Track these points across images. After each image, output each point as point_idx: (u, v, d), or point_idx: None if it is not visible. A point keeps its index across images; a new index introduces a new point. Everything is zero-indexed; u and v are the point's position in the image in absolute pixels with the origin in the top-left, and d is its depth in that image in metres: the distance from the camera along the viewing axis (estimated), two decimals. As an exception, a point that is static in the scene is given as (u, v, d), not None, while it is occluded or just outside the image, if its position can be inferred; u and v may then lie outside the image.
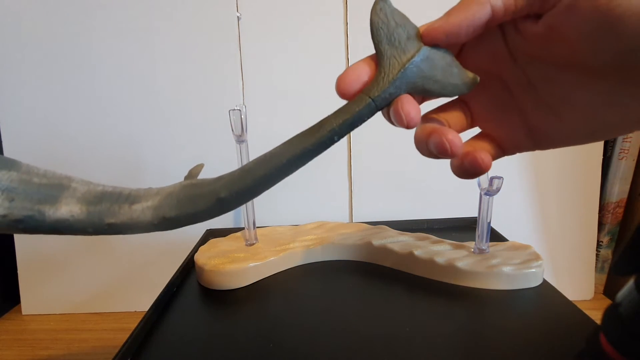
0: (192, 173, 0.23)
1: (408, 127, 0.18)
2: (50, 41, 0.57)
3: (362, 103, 0.18)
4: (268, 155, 0.19)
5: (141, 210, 0.19)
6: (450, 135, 0.19)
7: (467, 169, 0.20)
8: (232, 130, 0.40)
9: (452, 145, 0.19)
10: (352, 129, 0.19)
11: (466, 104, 0.23)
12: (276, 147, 0.20)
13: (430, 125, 0.20)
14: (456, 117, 0.22)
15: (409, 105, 0.18)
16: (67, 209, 0.18)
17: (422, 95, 0.20)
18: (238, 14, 0.57)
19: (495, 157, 0.22)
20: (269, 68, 0.58)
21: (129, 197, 0.20)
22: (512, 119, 0.21)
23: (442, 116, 0.22)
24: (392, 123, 0.19)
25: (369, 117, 0.19)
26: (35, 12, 0.56)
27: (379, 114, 0.20)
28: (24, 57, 0.58)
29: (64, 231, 0.19)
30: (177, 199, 0.20)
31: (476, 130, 0.23)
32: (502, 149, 0.22)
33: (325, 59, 0.58)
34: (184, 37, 0.57)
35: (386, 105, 0.19)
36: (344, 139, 0.59)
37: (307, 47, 0.58)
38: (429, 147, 0.19)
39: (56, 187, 0.19)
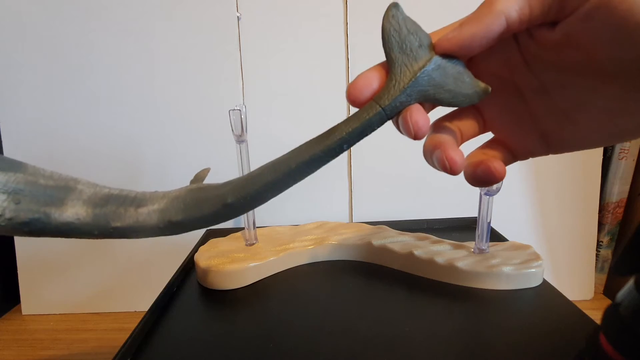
0: (198, 177, 0.23)
1: (416, 138, 0.18)
2: (50, 41, 0.57)
3: (372, 111, 0.18)
4: (276, 161, 0.19)
5: (147, 213, 0.19)
6: (451, 153, 0.19)
7: (481, 177, 0.20)
8: (232, 130, 0.40)
9: (452, 164, 0.19)
10: (362, 137, 0.19)
11: (478, 110, 0.22)
12: (285, 154, 0.19)
13: (437, 138, 0.20)
14: (468, 123, 0.22)
15: (417, 115, 0.18)
16: (73, 212, 0.18)
17: (433, 104, 0.20)
18: (238, 14, 0.57)
19: (507, 163, 0.22)
20: (269, 68, 0.58)
21: (135, 200, 0.20)
22: (525, 124, 0.21)
23: (454, 123, 0.22)
24: (400, 132, 0.19)
25: (379, 126, 0.19)
26: (36, 12, 0.56)
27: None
28: (24, 57, 0.58)
29: (70, 234, 0.18)
30: (184, 203, 0.20)
31: (489, 135, 0.23)
32: (515, 155, 0.22)
33: (325, 60, 0.58)
34: (183, 37, 0.57)
35: (396, 114, 0.19)
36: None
37: (307, 47, 0.58)
38: (433, 161, 0.20)
39: (62, 189, 0.19)
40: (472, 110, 0.22)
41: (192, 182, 0.22)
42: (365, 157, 0.60)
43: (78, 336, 0.57)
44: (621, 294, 0.18)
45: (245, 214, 0.44)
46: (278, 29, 0.57)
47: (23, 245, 0.62)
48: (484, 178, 0.20)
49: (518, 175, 0.61)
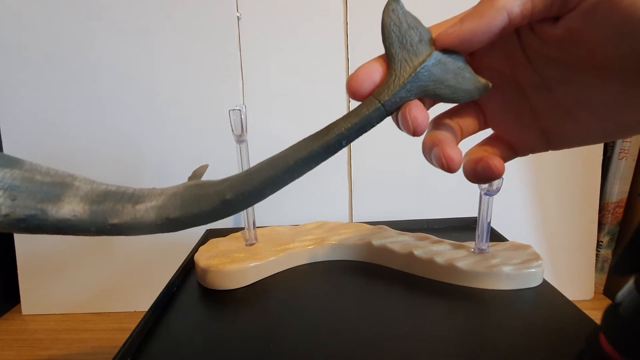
0: (197, 174, 0.23)
1: (414, 134, 0.18)
2: (51, 41, 0.57)
3: (371, 107, 0.18)
4: (275, 157, 0.19)
5: (145, 210, 0.19)
6: (449, 151, 0.19)
7: (480, 174, 0.20)
8: (232, 130, 0.40)
9: (449, 162, 0.19)
10: (361, 133, 0.19)
11: (479, 106, 0.22)
12: (283, 150, 0.19)
13: (436, 135, 0.20)
14: (468, 119, 0.22)
15: (416, 111, 0.18)
16: (70, 208, 0.18)
17: (433, 99, 0.20)
18: (238, 14, 0.57)
19: (507, 159, 0.22)
20: (269, 68, 0.58)
21: (133, 197, 0.19)
22: (525, 121, 0.21)
23: (454, 119, 0.22)
24: (399, 128, 0.19)
25: (378, 122, 0.19)
26: (36, 12, 0.56)
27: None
28: (25, 57, 0.58)
29: (67, 231, 0.18)
30: (182, 199, 0.19)
31: (489, 131, 0.23)
32: (515, 151, 0.22)
33: (325, 59, 0.58)
34: (184, 37, 0.57)
35: (396, 110, 0.19)
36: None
37: (307, 47, 0.58)
38: (431, 158, 0.20)
39: (59, 186, 0.18)
40: (472, 107, 0.22)
41: (190, 178, 0.22)
42: (365, 156, 0.60)
43: (78, 336, 0.57)
44: (621, 294, 0.18)
45: (245, 214, 0.44)
46: (278, 29, 0.57)
47: (23, 245, 0.62)
48: (483, 175, 0.20)
49: (518, 175, 0.61)
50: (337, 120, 0.19)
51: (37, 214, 0.17)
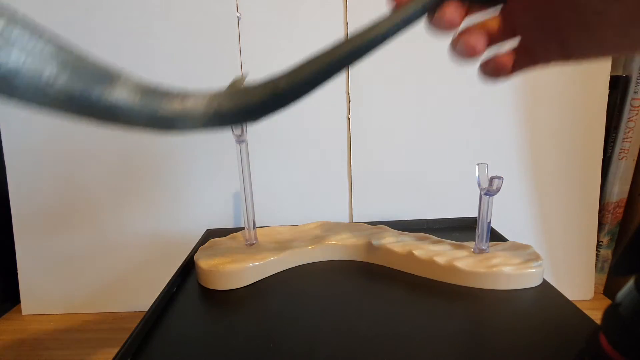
0: (235, 83, 0.23)
1: (447, 28, 0.21)
2: (50, 41, 0.57)
3: (413, 6, 0.20)
4: (323, 52, 0.21)
5: (193, 103, 0.19)
6: (472, 40, 0.22)
7: (459, 51, 0.23)
8: (232, 130, 0.40)
9: (471, 50, 0.22)
10: (402, 28, 0.21)
11: (509, 14, 0.24)
12: (330, 46, 0.21)
13: (463, 31, 0.23)
14: (497, 26, 0.24)
15: (451, 9, 0.21)
16: (121, 94, 0.18)
17: (468, 1, 0.22)
18: (238, 14, 0.57)
19: (526, 67, 0.24)
20: (269, 68, 0.58)
21: (179, 94, 0.20)
22: (548, 31, 0.23)
23: (484, 26, 0.24)
24: (433, 27, 0.22)
25: (417, 18, 0.21)
26: (35, 11, 0.56)
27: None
28: (24, 57, 0.58)
29: (117, 116, 0.18)
30: (231, 93, 0.20)
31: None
32: (536, 61, 0.24)
33: (325, 59, 0.58)
34: (183, 37, 0.57)
35: (434, 8, 0.21)
36: (344, 139, 0.59)
37: (307, 47, 0.58)
38: (457, 49, 0.23)
39: (110, 72, 0.18)
40: (502, 15, 0.24)
41: (228, 88, 0.22)
42: (365, 157, 0.60)
43: (78, 336, 0.57)
44: (621, 294, 0.18)
45: (246, 214, 0.43)
46: (278, 29, 0.57)
47: (23, 245, 0.62)
48: (462, 51, 0.23)
49: (518, 175, 0.61)
50: (380, 20, 0.21)
51: (91, 93, 0.17)
